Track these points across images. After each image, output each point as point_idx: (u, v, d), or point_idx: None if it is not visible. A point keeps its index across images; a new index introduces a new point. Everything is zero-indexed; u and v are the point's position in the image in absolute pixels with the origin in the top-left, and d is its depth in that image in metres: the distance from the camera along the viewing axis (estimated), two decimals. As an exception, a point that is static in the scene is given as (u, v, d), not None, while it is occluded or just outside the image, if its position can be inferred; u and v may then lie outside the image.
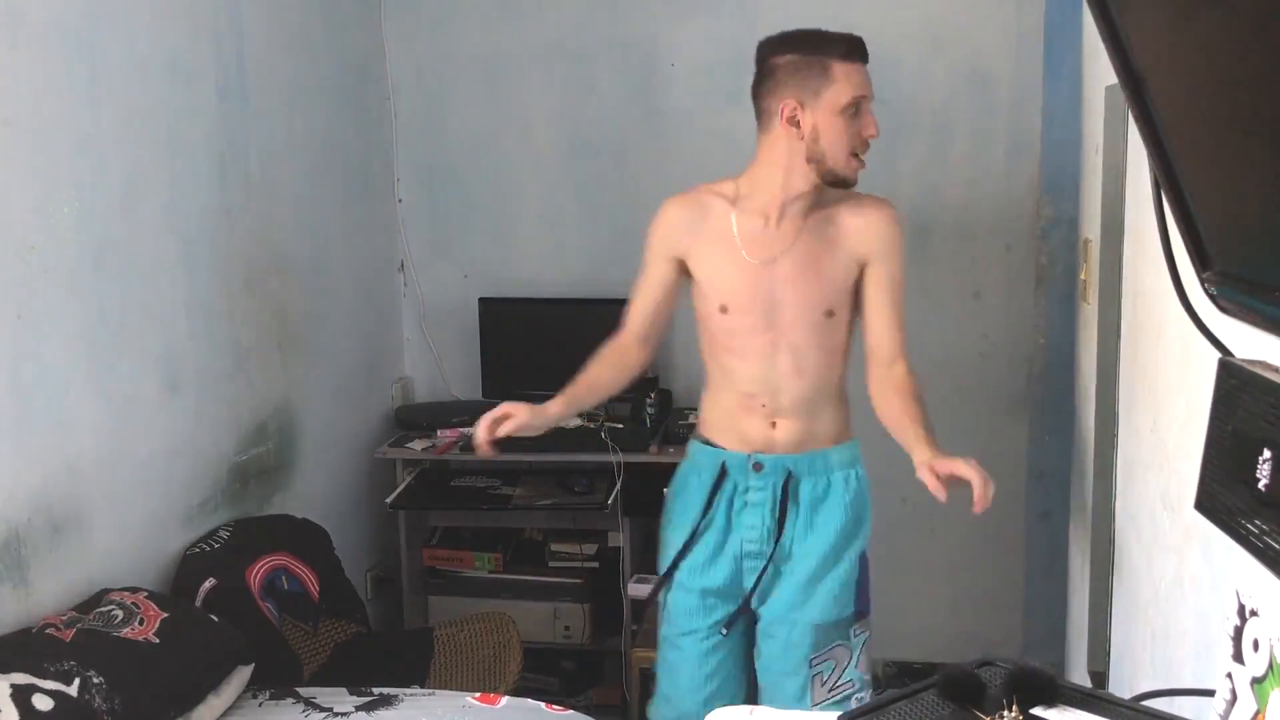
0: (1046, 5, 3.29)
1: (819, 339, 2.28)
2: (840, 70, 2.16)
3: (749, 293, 2.25)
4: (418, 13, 3.55)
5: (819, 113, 2.15)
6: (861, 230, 2.26)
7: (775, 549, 2.28)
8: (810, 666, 2.29)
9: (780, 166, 2.20)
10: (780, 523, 2.29)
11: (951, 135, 3.40)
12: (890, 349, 2.33)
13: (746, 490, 2.29)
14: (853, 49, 2.19)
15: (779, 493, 2.28)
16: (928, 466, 2.12)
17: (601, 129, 3.54)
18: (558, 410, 2.28)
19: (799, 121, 2.16)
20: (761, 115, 2.23)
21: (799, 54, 2.17)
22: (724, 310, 2.27)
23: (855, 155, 2.19)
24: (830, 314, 2.27)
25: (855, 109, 2.17)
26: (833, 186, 2.23)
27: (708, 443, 2.36)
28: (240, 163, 2.73)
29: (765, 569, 2.28)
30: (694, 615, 2.30)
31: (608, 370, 2.37)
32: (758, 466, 2.28)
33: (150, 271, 2.38)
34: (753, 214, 2.26)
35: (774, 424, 2.30)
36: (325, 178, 3.18)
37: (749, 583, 2.29)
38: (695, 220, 2.29)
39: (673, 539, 2.33)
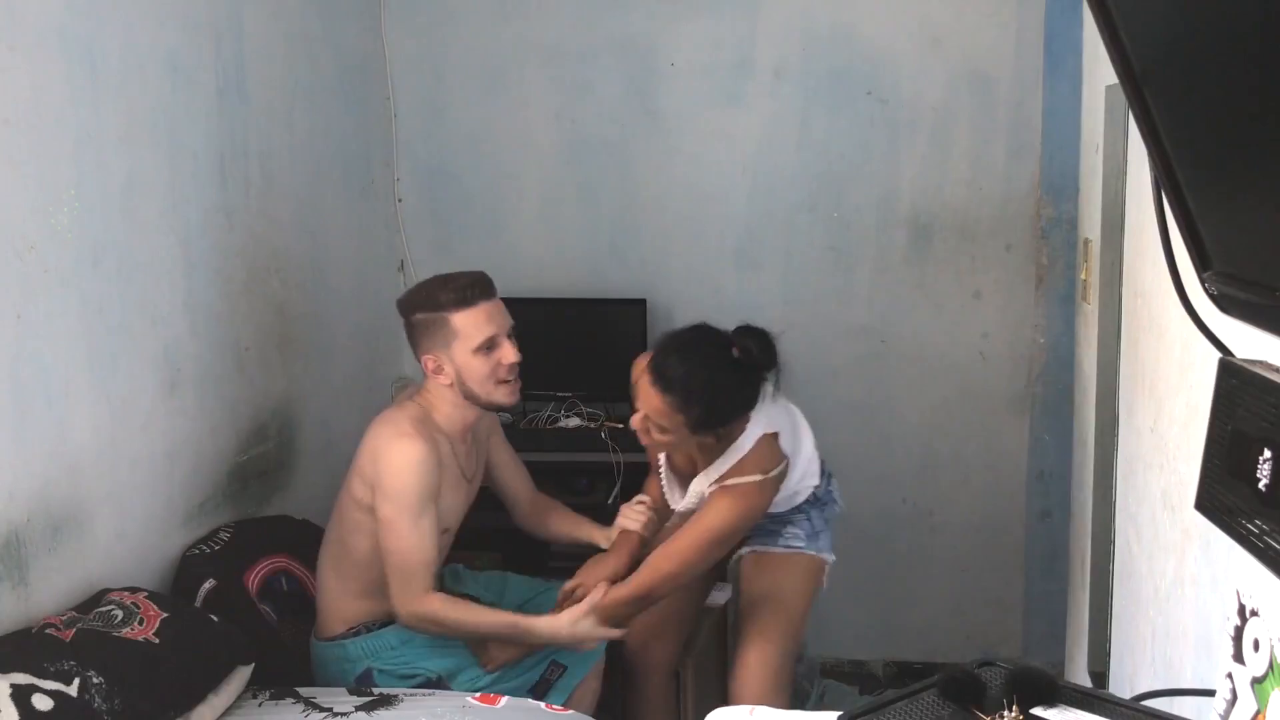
0: (1046, 5, 3.29)
1: None
2: (460, 320, 2.36)
3: (462, 510, 2.56)
4: (418, 13, 3.55)
5: (456, 358, 2.37)
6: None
7: None
8: None
9: (447, 404, 2.43)
10: None
11: (951, 135, 3.40)
12: (527, 488, 2.78)
13: None
14: (470, 294, 2.37)
15: None
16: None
17: (601, 129, 3.54)
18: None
19: (443, 368, 2.39)
20: (420, 362, 2.46)
21: (424, 312, 2.39)
22: (445, 532, 2.47)
23: (501, 383, 2.41)
24: None
25: (489, 346, 2.38)
26: (491, 410, 2.51)
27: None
28: (240, 163, 2.73)
29: None
30: None
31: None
32: None
33: (150, 271, 2.38)
34: (456, 442, 2.50)
35: None
36: (325, 178, 3.18)
37: None
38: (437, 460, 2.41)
39: None
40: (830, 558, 2.67)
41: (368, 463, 2.38)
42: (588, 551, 2.78)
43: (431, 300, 2.39)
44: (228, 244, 2.67)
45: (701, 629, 3.10)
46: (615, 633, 2.45)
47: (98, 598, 2.13)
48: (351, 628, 2.44)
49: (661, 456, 2.67)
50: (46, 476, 2.07)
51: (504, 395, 2.43)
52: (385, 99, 3.57)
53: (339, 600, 2.46)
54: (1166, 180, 1.18)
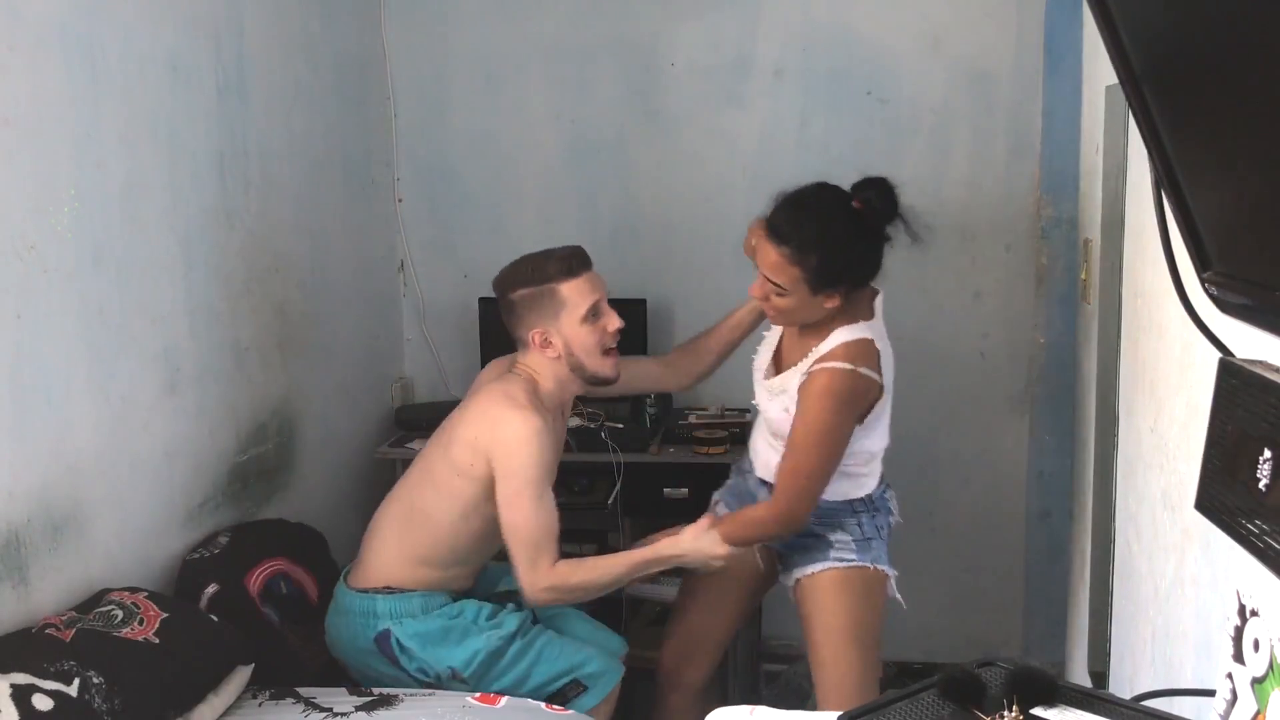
0: (1046, 5, 3.29)
1: None
2: (568, 289, 2.40)
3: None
4: (418, 13, 3.55)
5: (564, 329, 2.41)
6: None
7: None
8: None
9: (551, 379, 2.46)
10: None
11: (951, 135, 3.40)
12: (654, 360, 2.86)
13: None
14: (573, 265, 2.42)
15: None
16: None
17: (601, 129, 3.54)
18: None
19: (551, 341, 2.41)
20: (518, 341, 2.48)
21: (530, 286, 2.41)
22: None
23: (606, 353, 2.46)
24: None
25: (594, 313, 2.42)
26: (597, 386, 2.52)
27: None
28: (240, 163, 2.73)
29: None
30: None
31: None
32: None
33: (150, 271, 2.38)
34: (555, 416, 2.50)
35: None
36: (325, 178, 3.18)
37: None
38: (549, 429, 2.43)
39: None
40: (890, 570, 2.53)
41: (484, 431, 2.37)
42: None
43: (539, 273, 2.41)
44: (228, 244, 2.67)
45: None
46: (736, 551, 2.40)
47: (98, 598, 2.13)
48: (387, 585, 2.43)
49: (762, 365, 2.57)
50: (46, 476, 2.07)
51: (609, 367, 2.47)
52: (385, 99, 3.57)
53: (392, 558, 2.45)
54: (1166, 180, 1.18)
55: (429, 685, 2.41)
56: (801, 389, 2.36)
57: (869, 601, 2.51)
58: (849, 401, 2.34)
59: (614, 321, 2.45)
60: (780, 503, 2.37)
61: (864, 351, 2.35)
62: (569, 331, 2.41)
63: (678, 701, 2.70)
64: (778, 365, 2.54)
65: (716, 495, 2.75)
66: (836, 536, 2.51)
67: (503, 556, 2.47)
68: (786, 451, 2.38)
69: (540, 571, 2.36)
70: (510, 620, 2.46)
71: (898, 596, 2.56)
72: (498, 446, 2.35)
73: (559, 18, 3.51)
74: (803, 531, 2.47)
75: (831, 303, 2.34)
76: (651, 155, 3.53)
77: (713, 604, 2.68)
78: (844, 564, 2.49)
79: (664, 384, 2.82)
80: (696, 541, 2.39)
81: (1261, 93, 0.96)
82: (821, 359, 2.36)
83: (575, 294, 2.41)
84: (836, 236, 2.29)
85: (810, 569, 2.51)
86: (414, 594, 2.43)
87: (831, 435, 2.33)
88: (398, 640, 2.39)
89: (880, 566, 2.52)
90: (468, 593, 2.55)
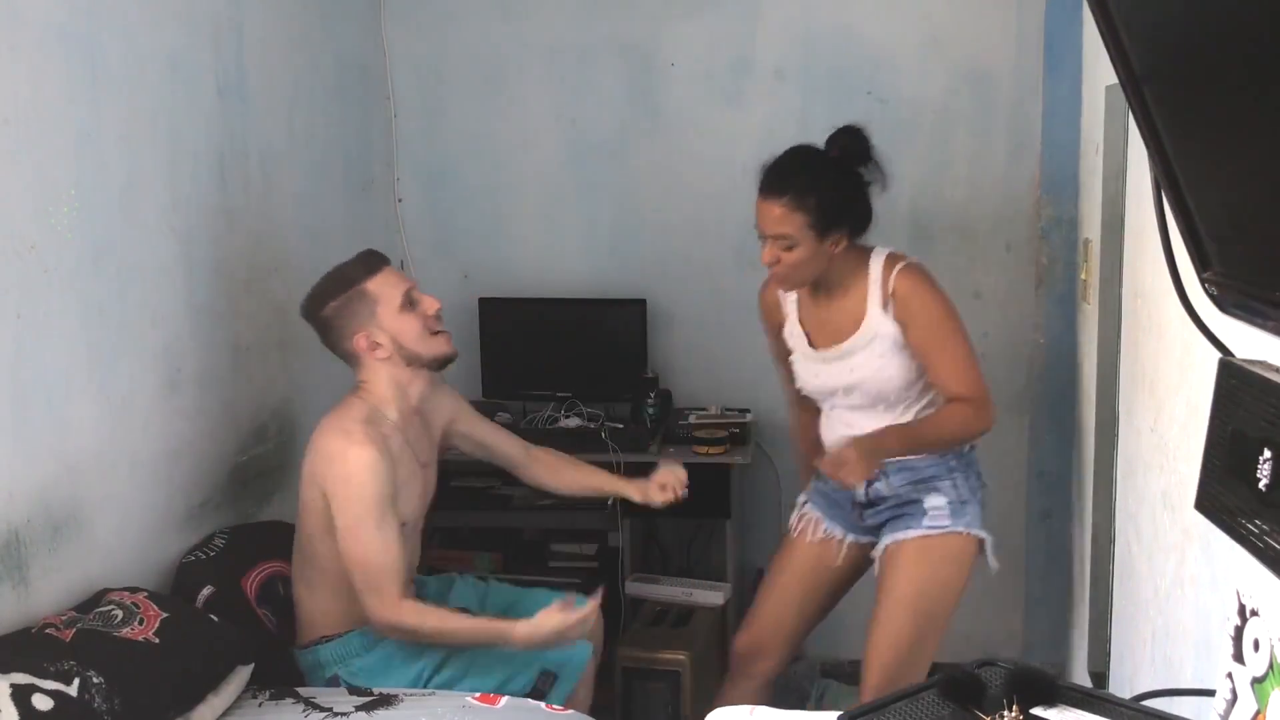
0: (1046, 5, 3.29)
1: None
2: (375, 285, 2.38)
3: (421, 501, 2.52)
4: (418, 13, 3.55)
5: (385, 324, 2.37)
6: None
7: None
8: None
9: (388, 384, 2.40)
10: None
11: (951, 135, 3.40)
12: (517, 444, 2.76)
13: None
14: (372, 262, 2.41)
15: None
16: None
17: (601, 129, 3.54)
18: None
19: (378, 342, 2.37)
20: (348, 358, 2.43)
21: (338, 296, 2.38)
22: (402, 525, 2.40)
23: (434, 335, 2.42)
24: None
25: (409, 301, 2.40)
26: (439, 369, 2.49)
27: None
28: (240, 163, 2.73)
29: None
30: None
31: None
32: None
33: (150, 271, 2.38)
34: (406, 428, 2.46)
35: None
36: (325, 178, 3.18)
37: None
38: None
39: None
40: (985, 535, 2.49)
41: (319, 468, 2.33)
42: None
43: (342, 281, 2.39)
44: (228, 244, 2.67)
45: (701, 630, 3.10)
46: (586, 617, 2.33)
47: (98, 598, 2.13)
48: (323, 635, 2.42)
49: (805, 348, 2.59)
50: (46, 476, 2.07)
51: (442, 345, 2.44)
52: (385, 99, 3.57)
53: (309, 607, 2.44)
54: (1166, 180, 1.18)
55: None
56: (899, 302, 2.43)
57: (947, 570, 2.47)
58: (940, 287, 2.47)
59: (432, 304, 2.43)
60: (966, 393, 2.41)
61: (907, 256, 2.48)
62: (391, 325, 2.37)
63: (745, 688, 2.67)
64: (824, 337, 2.55)
65: (803, 497, 2.73)
66: (931, 502, 2.48)
67: (440, 569, 2.44)
68: (932, 359, 2.42)
69: (387, 603, 2.29)
70: None
71: (993, 561, 2.53)
72: (329, 483, 2.31)
73: (559, 18, 3.51)
74: (899, 499, 2.48)
75: (838, 246, 2.42)
76: (651, 155, 3.53)
77: (793, 597, 2.67)
78: (937, 530, 2.46)
79: (515, 468, 2.75)
80: (538, 625, 2.30)
81: (1261, 93, 0.96)
82: (886, 272, 2.44)
83: (384, 287, 2.38)
84: (826, 177, 2.41)
85: (900, 535, 2.49)
86: (351, 634, 2.40)
87: (956, 317, 2.45)
88: (346, 683, 2.38)
89: (974, 532, 2.49)
90: None
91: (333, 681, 2.40)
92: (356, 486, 2.28)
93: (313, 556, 2.41)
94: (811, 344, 2.57)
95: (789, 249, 2.39)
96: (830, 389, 2.54)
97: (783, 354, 2.66)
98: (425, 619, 2.34)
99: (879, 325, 2.45)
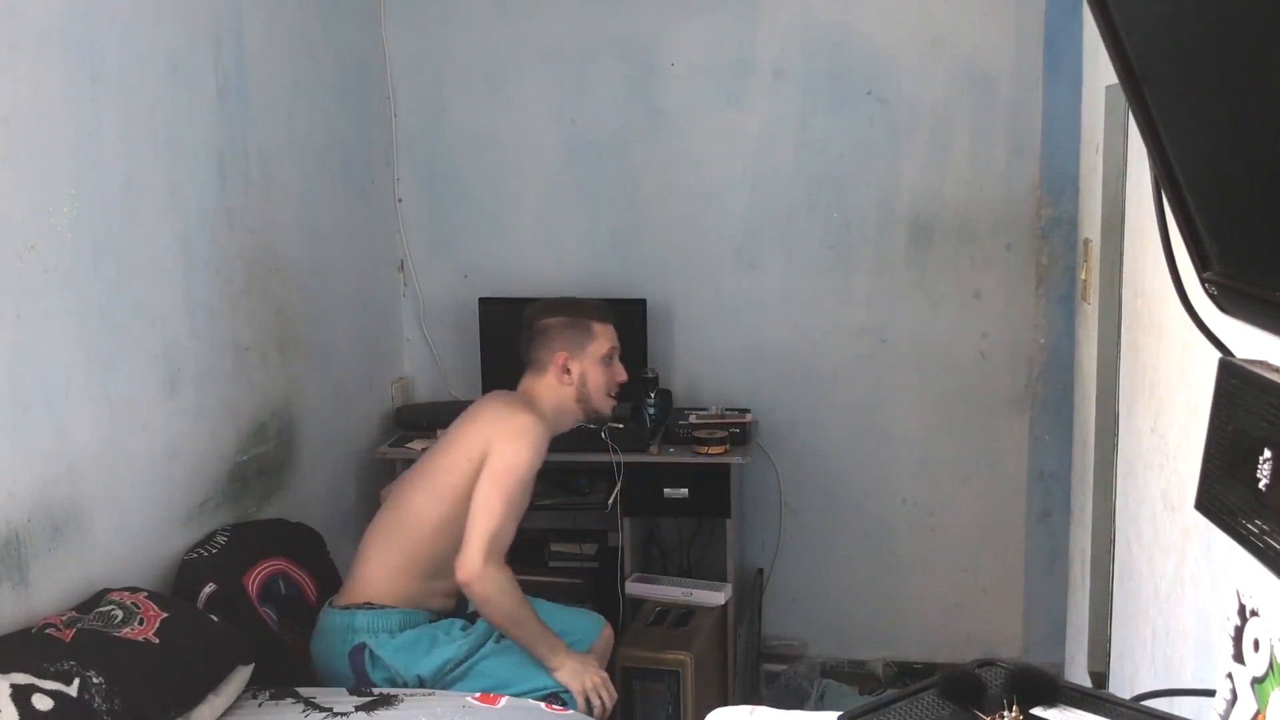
0: (1046, 5, 3.29)
1: None
2: (599, 329, 2.69)
3: None
4: (418, 13, 3.55)
5: (585, 362, 2.64)
6: None
7: None
8: None
9: (552, 405, 2.64)
10: None
11: (951, 135, 3.40)
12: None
13: None
14: (606, 313, 2.74)
15: None
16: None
17: (601, 129, 3.54)
18: None
19: (570, 369, 2.64)
20: (533, 364, 2.69)
21: (566, 316, 2.69)
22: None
23: (610, 394, 2.71)
24: None
25: (610, 359, 2.69)
26: (590, 424, 2.81)
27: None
28: (240, 163, 2.73)
29: None
30: None
31: None
32: None
33: (149, 271, 2.38)
34: None
35: None
36: (325, 178, 3.18)
37: None
38: None
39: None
40: None
41: (491, 426, 2.51)
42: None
43: (578, 309, 2.71)
44: (228, 244, 2.67)
45: (701, 630, 3.10)
46: (598, 684, 2.47)
47: (98, 598, 2.13)
48: (369, 601, 2.46)
49: None
50: (46, 476, 2.07)
51: (609, 406, 2.72)
52: (385, 99, 3.57)
53: (375, 570, 2.50)
54: (1166, 180, 1.18)
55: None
56: None
57: None
58: None
59: (622, 373, 2.72)
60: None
61: None
62: (588, 366, 2.65)
63: None
64: None
65: None
66: None
67: None
68: None
69: (488, 560, 2.39)
70: (483, 627, 2.49)
71: None
72: (501, 437, 2.48)
73: (559, 18, 3.51)
74: None
75: None
76: (651, 155, 3.53)
77: None
78: None
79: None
80: (581, 674, 2.47)
81: (1261, 92, 0.96)
82: None
83: (604, 335, 2.68)
84: None
85: None
86: (394, 611, 2.45)
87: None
88: (370, 652, 2.41)
89: None
90: (450, 614, 2.57)
91: (357, 651, 2.41)
92: (526, 445, 2.48)
93: (417, 521, 2.50)
94: None
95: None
96: None
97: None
98: (506, 594, 2.43)
99: None
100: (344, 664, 2.43)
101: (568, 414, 2.67)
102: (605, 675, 2.50)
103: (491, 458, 2.46)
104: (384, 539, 2.53)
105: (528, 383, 2.67)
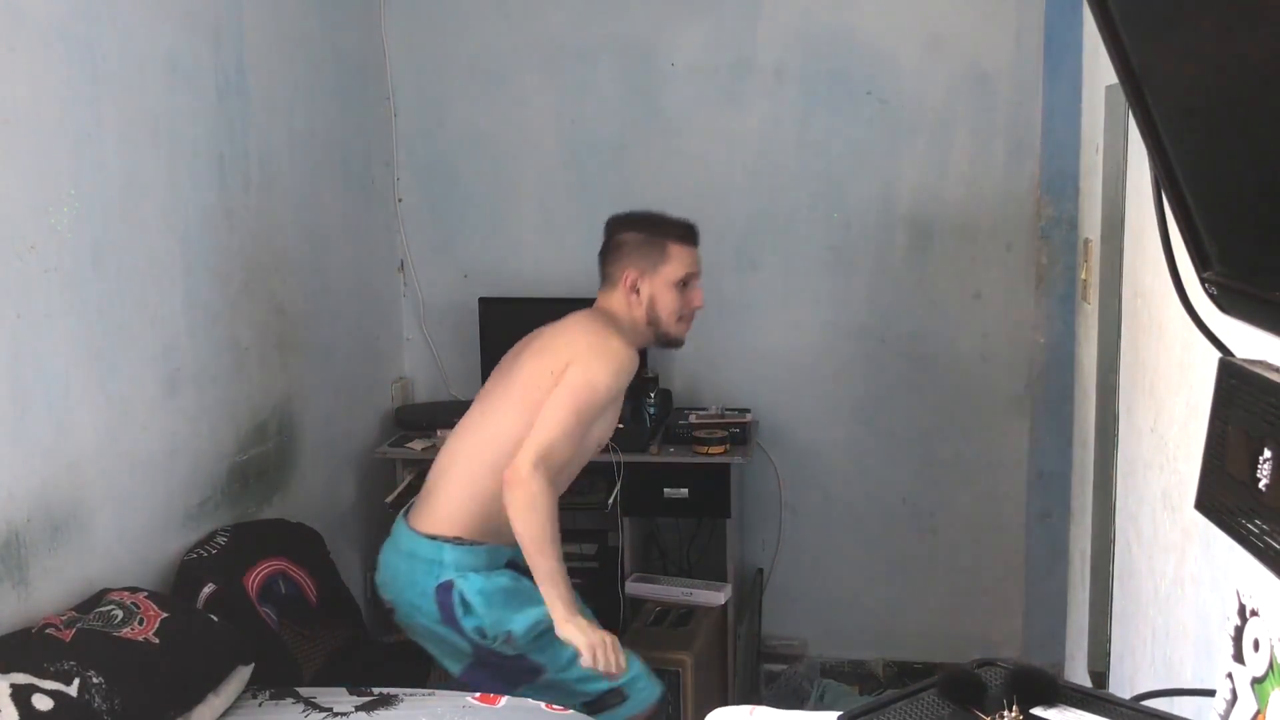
0: (1046, 5, 3.29)
1: None
2: (675, 250, 2.54)
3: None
4: (418, 13, 3.55)
5: (656, 284, 2.52)
6: None
7: None
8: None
9: (627, 321, 2.54)
10: None
11: (951, 135, 3.40)
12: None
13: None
14: (688, 234, 2.58)
15: None
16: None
17: (601, 129, 3.54)
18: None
19: (639, 289, 2.52)
20: (606, 279, 2.58)
21: (643, 233, 2.55)
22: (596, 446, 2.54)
23: (682, 319, 2.58)
24: None
25: (685, 283, 2.55)
26: (663, 347, 2.67)
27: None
28: (240, 163, 2.73)
29: None
30: None
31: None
32: None
33: (149, 271, 2.38)
34: None
35: None
36: (325, 178, 3.18)
37: None
38: None
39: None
40: None
41: (580, 343, 2.43)
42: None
43: (658, 226, 2.55)
44: (228, 244, 2.67)
45: (701, 630, 3.10)
46: (608, 643, 2.32)
47: (98, 598, 2.13)
48: (457, 536, 2.41)
49: None
50: (46, 476, 2.07)
51: (681, 330, 2.59)
52: (385, 99, 3.57)
53: (462, 498, 2.42)
54: (1166, 180, 1.17)
55: (477, 646, 2.39)
56: None
57: None
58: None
59: (699, 298, 2.58)
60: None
61: None
62: (659, 287, 2.52)
63: None
64: None
65: None
66: None
67: None
68: None
69: (539, 470, 2.29)
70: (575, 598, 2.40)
71: None
72: (583, 353, 2.41)
73: (559, 18, 3.51)
74: None
75: None
76: (651, 155, 3.53)
77: None
78: None
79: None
80: (582, 633, 2.30)
81: (1260, 92, 0.96)
82: None
83: (680, 258, 2.53)
84: None
85: None
86: (481, 547, 2.40)
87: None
88: (461, 594, 2.37)
89: None
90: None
91: (444, 589, 2.37)
92: (608, 365, 2.40)
93: (498, 434, 2.41)
94: None
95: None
96: None
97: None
98: (541, 510, 2.29)
99: None
100: (429, 599, 2.39)
101: (640, 335, 2.56)
102: (615, 638, 2.34)
103: (572, 370, 2.38)
104: (466, 459, 2.46)
105: (602, 299, 2.57)
